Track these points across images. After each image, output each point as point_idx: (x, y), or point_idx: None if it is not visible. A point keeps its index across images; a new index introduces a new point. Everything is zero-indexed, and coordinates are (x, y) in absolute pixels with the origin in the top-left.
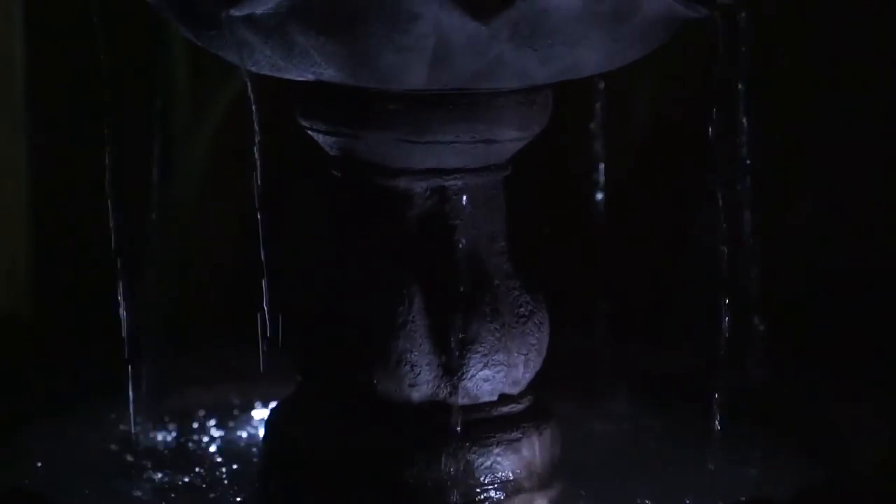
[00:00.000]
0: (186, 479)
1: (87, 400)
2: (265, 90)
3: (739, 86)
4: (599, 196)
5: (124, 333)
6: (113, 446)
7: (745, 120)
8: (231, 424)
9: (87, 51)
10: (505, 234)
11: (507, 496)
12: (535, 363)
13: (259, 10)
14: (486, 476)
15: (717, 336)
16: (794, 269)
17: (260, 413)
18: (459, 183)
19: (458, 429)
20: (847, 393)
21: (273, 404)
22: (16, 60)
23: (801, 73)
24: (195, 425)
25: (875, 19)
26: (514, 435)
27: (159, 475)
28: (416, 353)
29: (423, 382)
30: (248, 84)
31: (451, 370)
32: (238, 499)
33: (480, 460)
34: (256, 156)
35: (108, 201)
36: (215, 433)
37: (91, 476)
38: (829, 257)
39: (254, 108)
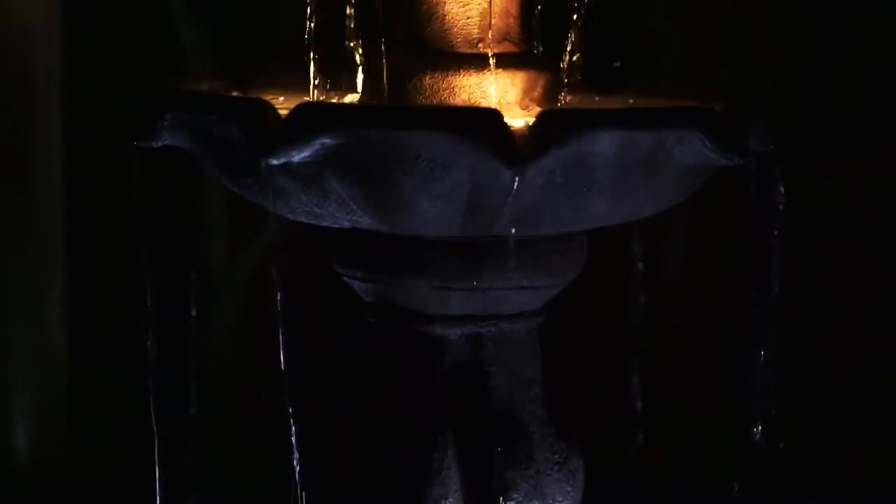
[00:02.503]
0: None
1: None
2: (301, 236)
3: (773, 231)
4: (633, 339)
5: (157, 477)
6: None
7: (776, 263)
8: None
9: (125, 202)
10: (539, 380)
11: None
12: None
13: (296, 159)
14: None
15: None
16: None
17: None
18: (494, 329)
19: None
20: None
21: None
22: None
23: (833, 220)
24: None
25: None
26: None
27: None
28: (451, 500)
29: None
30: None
31: None
32: None
33: None
34: (279, 303)
35: (147, 343)
36: None
37: None
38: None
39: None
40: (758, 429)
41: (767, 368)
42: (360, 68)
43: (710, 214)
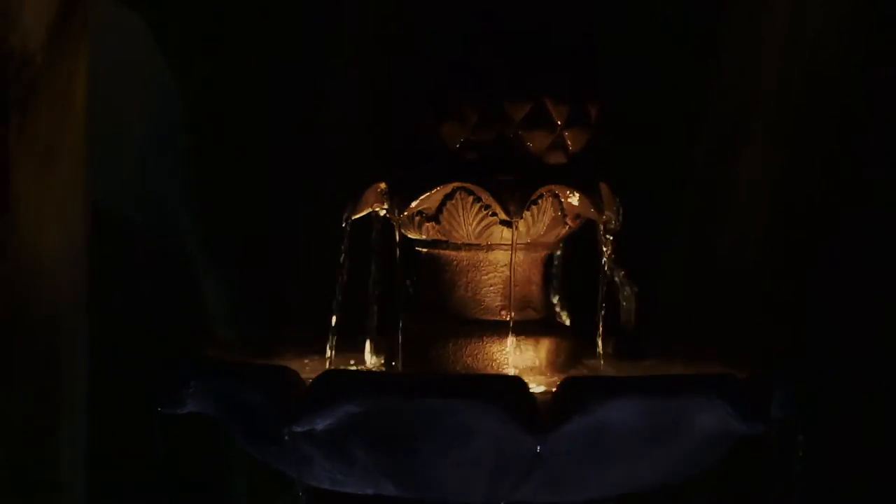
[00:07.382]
0: None
1: None
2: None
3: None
4: None
5: None
6: None
7: None
8: None
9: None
10: None
11: None
12: None
13: (320, 426)
14: None
15: None
16: None
17: None
18: None
19: None
20: None
21: None
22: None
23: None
24: None
25: None
26: None
27: None
28: None
29: None
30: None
31: None
32: None
33: None
34: None
35: None
36: None
37: None
38: None
39: None
40: None
41: None
42: (383, 334)
43: (733, 475)
